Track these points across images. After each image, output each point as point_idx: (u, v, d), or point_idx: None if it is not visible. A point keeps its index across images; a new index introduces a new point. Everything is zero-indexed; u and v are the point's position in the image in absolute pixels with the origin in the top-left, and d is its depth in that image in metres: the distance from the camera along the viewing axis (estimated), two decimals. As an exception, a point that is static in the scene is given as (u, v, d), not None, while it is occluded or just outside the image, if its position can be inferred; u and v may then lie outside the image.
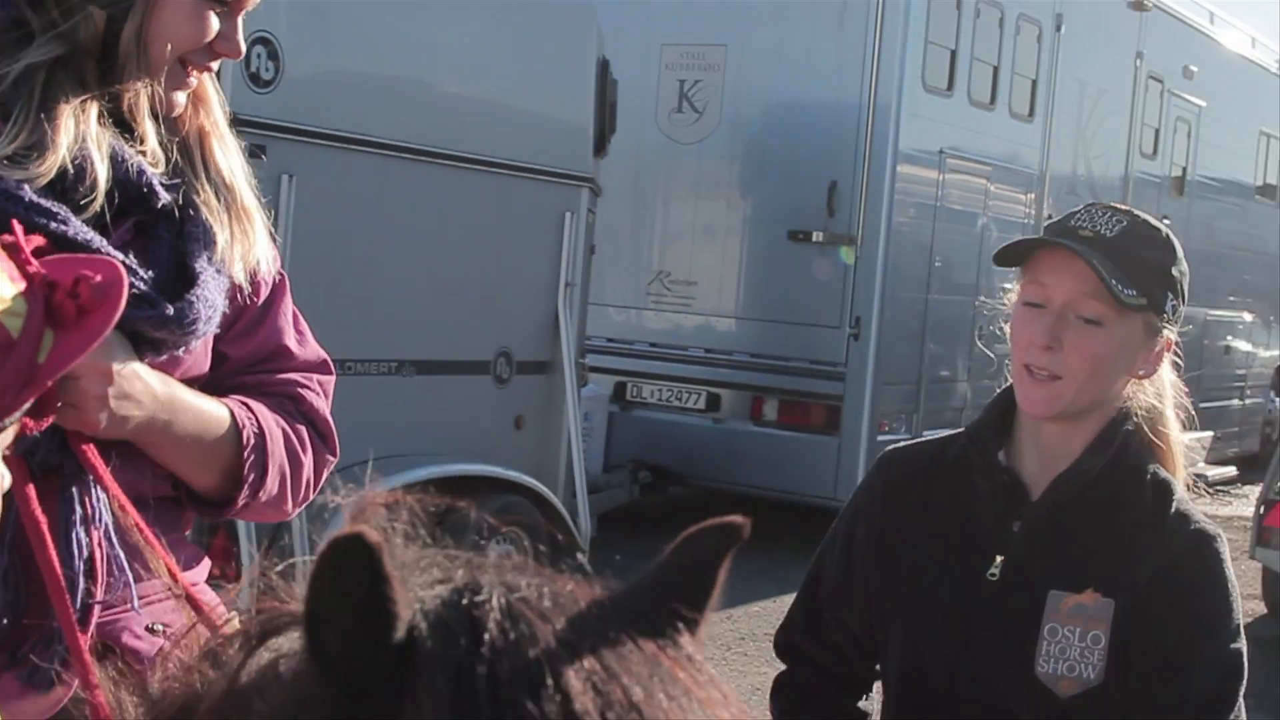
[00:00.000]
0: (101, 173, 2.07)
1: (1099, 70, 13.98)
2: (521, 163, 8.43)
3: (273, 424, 2.28)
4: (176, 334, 2.10)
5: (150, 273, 2.11)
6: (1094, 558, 2.48)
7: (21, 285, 1.26)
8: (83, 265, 1.31)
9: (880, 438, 11.34)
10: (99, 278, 1.29)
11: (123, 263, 1.98)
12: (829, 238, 11.29)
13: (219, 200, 2.23)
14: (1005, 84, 12.67)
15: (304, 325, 2.44)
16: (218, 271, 2.19)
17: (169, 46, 2.17)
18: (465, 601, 0.93)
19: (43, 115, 2.05)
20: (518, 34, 8.60)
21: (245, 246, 2.25)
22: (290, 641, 1.00)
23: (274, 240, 2.39)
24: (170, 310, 2.08)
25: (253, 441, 2.22)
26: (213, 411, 2.19)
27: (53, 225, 1.99)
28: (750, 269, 11.75)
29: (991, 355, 12.68)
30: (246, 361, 2.32)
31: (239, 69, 6.80)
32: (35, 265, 1.28)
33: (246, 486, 2.22)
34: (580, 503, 8.95)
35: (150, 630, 2.16)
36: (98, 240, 2.04)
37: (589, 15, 9.14)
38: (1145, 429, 2.58)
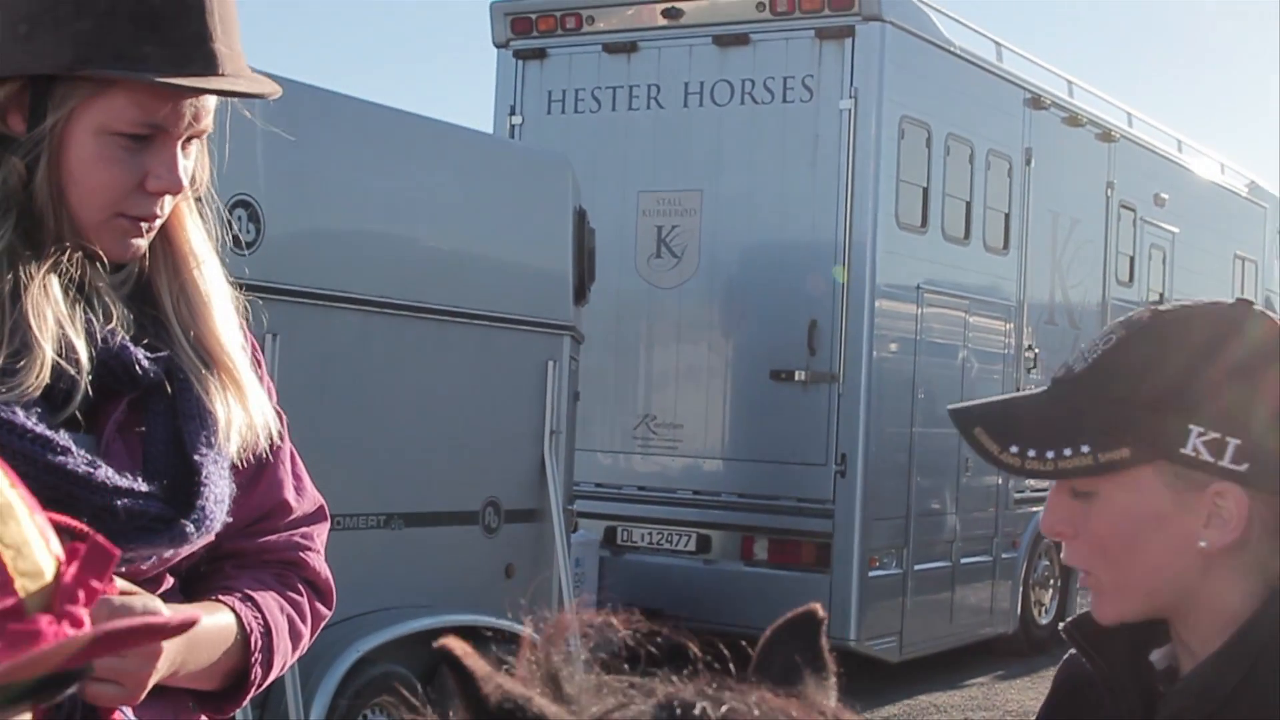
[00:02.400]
0: (83, 356, 1.96)
1: (1071, 201, 14.16)
2: (502, 313, 8.53)
3: (278, 613, 2.17)
4: (194, 542, 2.02)
5: (159, 483, 2.00)
6: None
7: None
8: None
9: (871, 573, 11.35)
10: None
11: (143, 493, 1.96)
12: (811, 376, 11.37)
13: (209, 372, 2.09)
14: (979, 218, 12.82)
15: (301, 468, 2.34)
16: (218, 454, 2.08)
17: (89, 197, 1.99)
18: (680, 714, 0.92)
19: (17, 309, 1.93)
20: (494, 187, 8.74)
21: (244, 420, 2.12)
22: None
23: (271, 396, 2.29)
24: (189, 526, 1.99)
25: (260, 644, 2.11)
26: (221, 625, 2.08)
27: (52, 458, 1.89)
28: (735, 409, 11.81)
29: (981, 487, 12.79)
30: (244, 523, 2.18)
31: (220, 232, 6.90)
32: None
33: (253, 687, 2.13)
34: (573, 649, 8.91)
35: None
36: (102, 473, 1.94)
37: (564, 166, 9.30)
38: None
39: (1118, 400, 1.75)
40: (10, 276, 1.94)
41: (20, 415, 1.88)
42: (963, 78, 12.54)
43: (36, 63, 1.93)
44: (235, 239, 7.02)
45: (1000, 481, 13.12)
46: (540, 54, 12.24)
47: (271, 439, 2.23)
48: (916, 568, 11.90)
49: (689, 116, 11.84)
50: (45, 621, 1.03)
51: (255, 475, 2.21)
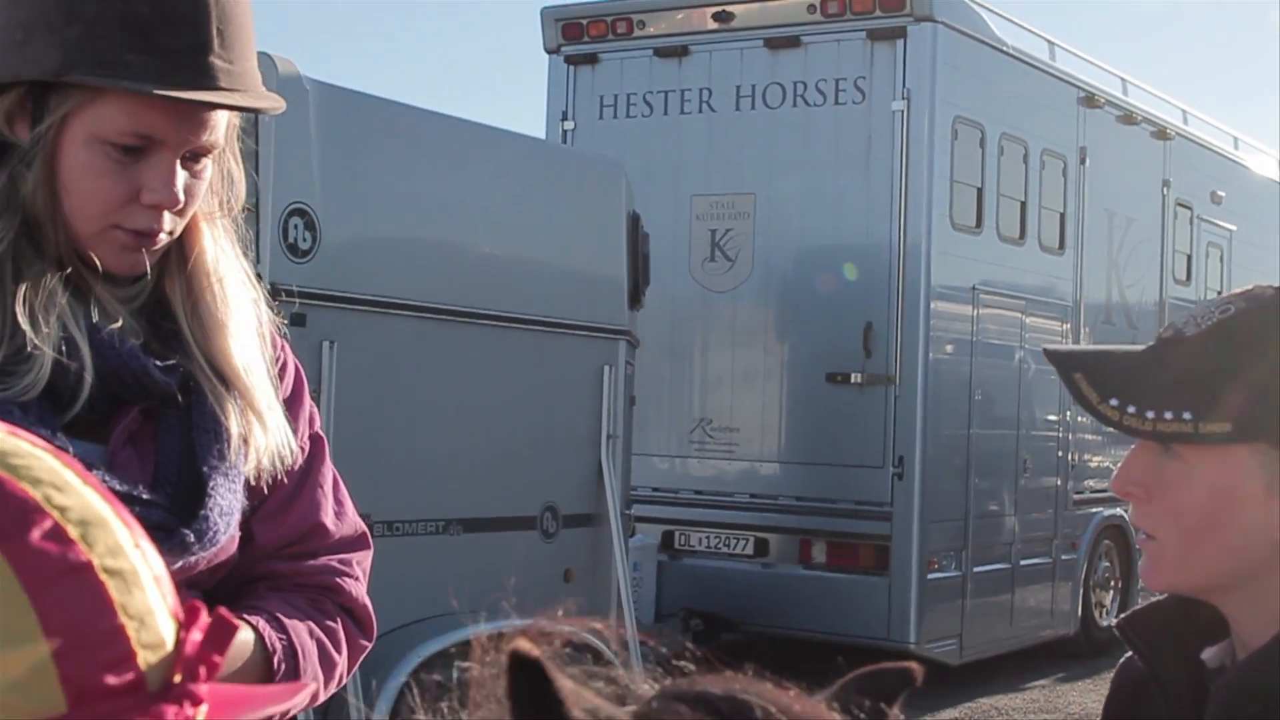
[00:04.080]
0: (87, 358, 1.93)
1: (1127, 200, 14.08)
2: (558, 319, 8.54)
3: (305, 636, 2.10)
4: (195, 553, 1.97)
5: (165, 492, 1.98)
6: None
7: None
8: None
9: (930, 576, 11.31)
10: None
11: (145, 500, 1.92)
12: (867, 378, 11.34)
13: (225, 389, 2.04)
14: (1034, 218, 12.76)
15: (344, 493, 2.27)
16: (230, 468, 2.03)
17: (82, 206, 1.95)
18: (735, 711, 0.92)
19: (18, 310, 1.90)
20: (549, 193, 8.76)
21: (261, 440, 2.07)
22: None
23: (311, 407, 2.26)
24: (190, 535, 1.95)
25: (284, 667, 2.05)
26: (238, 641, 1.94)
27: None
28: (791, 413, 11.79)
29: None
30: (278, 544, 2.15)
31: (277, 239, 6.95)
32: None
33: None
34: (633, 654, 8.91)
35: None
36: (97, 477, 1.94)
37: (617, 171, 9.31)
38: None
39: (1227, 373, 1.69)
40: (12, 278, 1.92)
41: (17, 414, 1.85)
42: (1016, 77, 12.48)
43: (29, 69, 1.92)
44: (291, 246, 7.09)
45: (1059, 483, 13.06)
46: (592, 59, 12.25)
47: (310, 460, 2.21)
48: (976, 570, 11.84)
49: (741, 120, 11.84)
50: (171, 714, 1.01)
51: (291, 496, 2.17)
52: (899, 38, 11.36)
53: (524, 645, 0.91)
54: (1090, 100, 13.43)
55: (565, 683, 0.91)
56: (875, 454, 11.32)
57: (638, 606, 9.91)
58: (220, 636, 1.06)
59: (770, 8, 11.80)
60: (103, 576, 0.99)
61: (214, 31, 1.94)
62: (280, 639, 2.05)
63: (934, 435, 11.36)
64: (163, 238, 2.00)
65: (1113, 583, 14.00)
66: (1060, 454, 13.16)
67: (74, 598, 0.98)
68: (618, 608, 8.84)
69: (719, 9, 11.88)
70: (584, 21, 12.22)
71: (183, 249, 2.06)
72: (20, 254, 1.94)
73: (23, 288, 1.91)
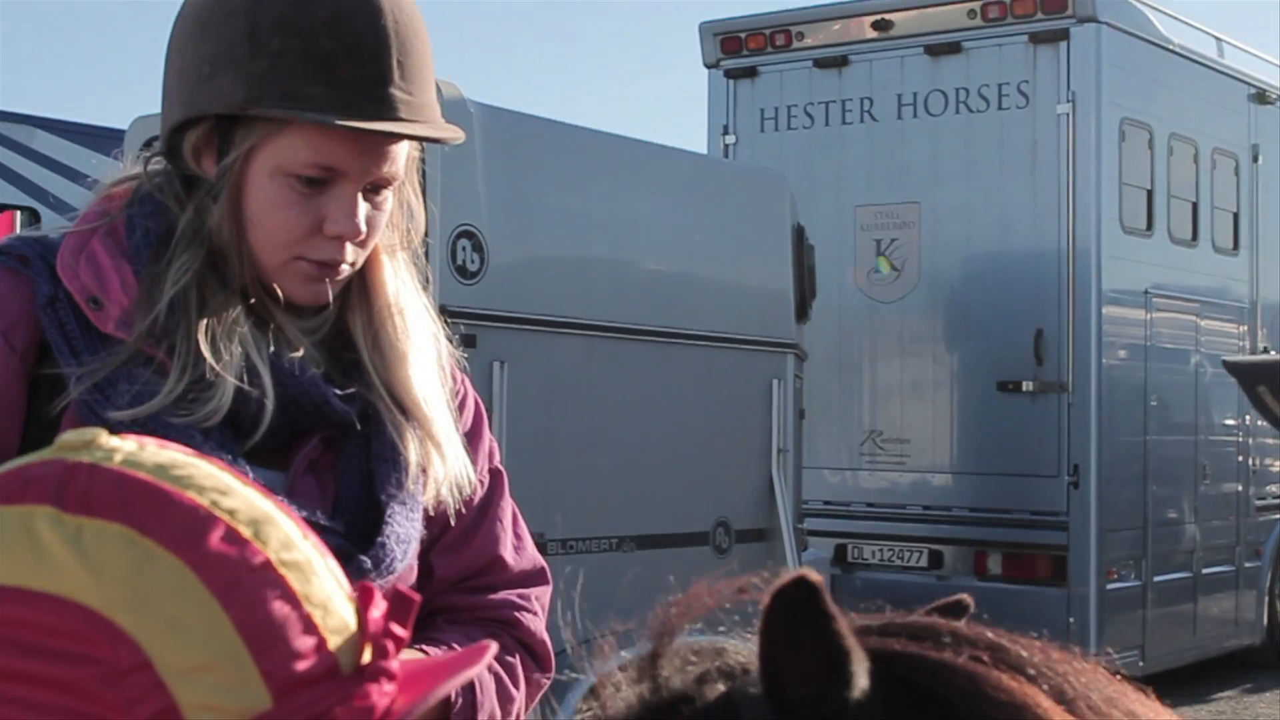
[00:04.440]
0: (268, 386, 1.96)
1: (1301, 197, 13.76)
2: (726, 333, 8.52)
3: (485, 672, 2.09)
4: (373, 580, 1.90)
5: (344, 519, 2.00)
6: None
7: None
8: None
9: (1109, 586, 11.11)
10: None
11: (324, 526, 1.93)
12: (1039, 386, 11.18)
13: (405, 419, 2.06)
14: (1206, 219, 12.53)
15: (523, 528, 2.28)
16: (408, 498, 2.05)
17: (267, 239, 1.98)
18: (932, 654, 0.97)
19: (201, 338, 1.93)
20: (713, 207, 8.75)
21: (440, 470, 2.08)
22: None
23: (488, 439, 2.26)
24: (367, 562, 1.97)
25: (460, 701, 2.05)
26: None
27: None
28: (962, 422, 11.66)
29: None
30: (457, 576, 2.17)
31: (446, 262, 7.01)
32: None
33: None
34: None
35: None
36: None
37: (781, 184, 9.28)
38: None
39: None
40: (197, 307, 1.95)
41: (199, 440, 1.88)
42: (1183, 76, 12.26)
43: (215, 103, 1.94)
44: (460, 269, 7.15)
45: (1240, 489, 12.79)
46: (751, 72, 12.23)
47: (490, 494, 2.22)
48: (1156, 579, 11.62)
49: (903, 128, 11.74)
50: (376, 692, 1.04)
51: (470, 530, 2.19)
52: (1062, 40, 11.21)
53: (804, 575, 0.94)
54: (1261, 97, 13.16)
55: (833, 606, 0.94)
56: (1049, 463, 11.16)
57: (812, 621, 9.83)
58: (402, 612, 1.09)
59: (930, 14, 11.70)
60: (281, 570, 1.03)
61: (394, 63, 1.96)
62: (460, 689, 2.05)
63: (1109, 442, 11.16)
64: (345, 269, 2.01)
65: (1299, 590, 13.67)
66: (1240, 459, 12.88)
67: (259, 595, 1.01)
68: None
69: (878, 17, 11.80)
70: (742, 35, 12.21)
71: (364, 281, 2.08)
72: (205, 284, 1.97)
73: (207, 317, 1.94)
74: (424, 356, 2.10)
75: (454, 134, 2.03)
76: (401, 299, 2.10)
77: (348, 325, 2.07)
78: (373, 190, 2.00)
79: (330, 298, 2.03)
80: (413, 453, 2.04)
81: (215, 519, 1.02)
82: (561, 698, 7.35)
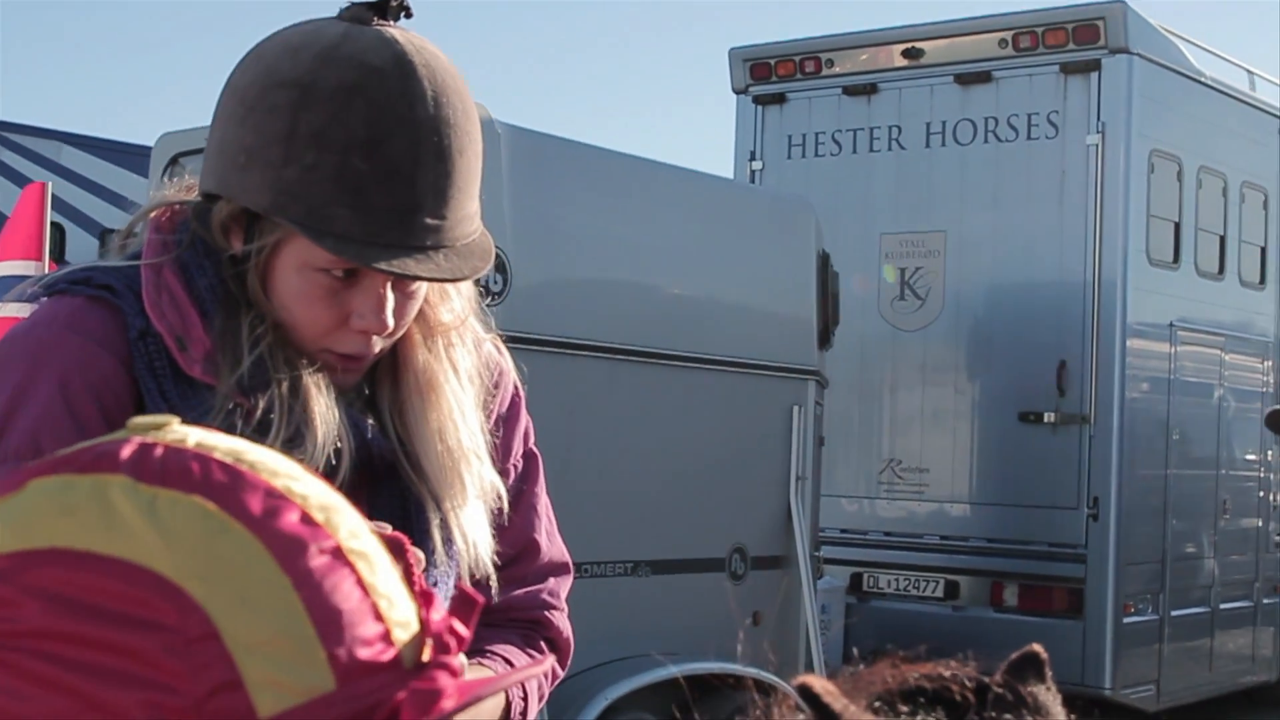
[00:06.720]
0: (348, 444, 1.97)
1: (1329, 233, 13.71)
2: (747, 359, 8.51)
3: (534, 684, 2.15)
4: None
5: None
6: None
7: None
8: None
9: (1126, 620, 11.07)
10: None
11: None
12: (1061, 417, 11.15)
13: (438, 462, 2.05)
14: (1233, 252, 12.49)
15: (552, 515, 2.32)
16: (447, 540, 2.06)
17: (297, 329, 1.97)
18: None
19: (289, 391, 1.94)
20: (738, 232, 8.75)
21: (459, 544, 2.07)
22: None
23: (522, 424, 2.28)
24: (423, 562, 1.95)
25: (520, 717, 2.11)
26: (494, 703, 2.07)
27: None
28: (982, 453, 11.63)
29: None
30: (498, 564, 2.15)
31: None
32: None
33: None
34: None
35: None
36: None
37: (807, 210, 9.27)
38: None
39: None
40: (281, 367, 1.94)
41: None
42: (1214, 108, 12.23)
43: (244, 196, 1.92)
44: (483, 289, 7.15)
45: (1260, 524, 12.73)
46: (780, 99, 12.22)
47: (524, 478, 2.25)
48: (1173, 613, 11.57)
49: (931, 157, 11.73)
50: (443, 678, 1.04)
51: (509, 515, 2.19)
52: (1093, 70, 11.18)
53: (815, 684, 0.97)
54: (1291, 131, 13.11)
55: (844, 705, 0.97)
56: (1069, 495, 11.13)
57: (826, 649, 9.82)
58: (465, 611, 1.10)
59: (960, 43, 11.69)
60: (351, 557, 1.03)
61: (429, 189, 1.91)
62: (519, 698, 2.10)
63: (1130, 476, 11.12)
64: (373, 356, 2.01)
65: (1316, 628, 13.60)
66: (1261, 494, 12.83)
67: (330, 578, 1.01)
68: (806, 651, 8.77)
69: (908, 45, 11.79)
70: (772, 61, 12.20)
71: (394, 356, 2.07)
72: (281, 342, 1.97)
73: (292, 373, 1.94)
74: (447, 423, 2.07)
75: (474, 269, 1.98)
76: (432, 374, 2.07)
77: (375, 394, 2.07)
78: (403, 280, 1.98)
79: (358, 380, 2.04)
80: (447, 500, 2.05)
81: (289, 501, 1.02)
82: None
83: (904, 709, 1.02)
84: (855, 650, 11.37)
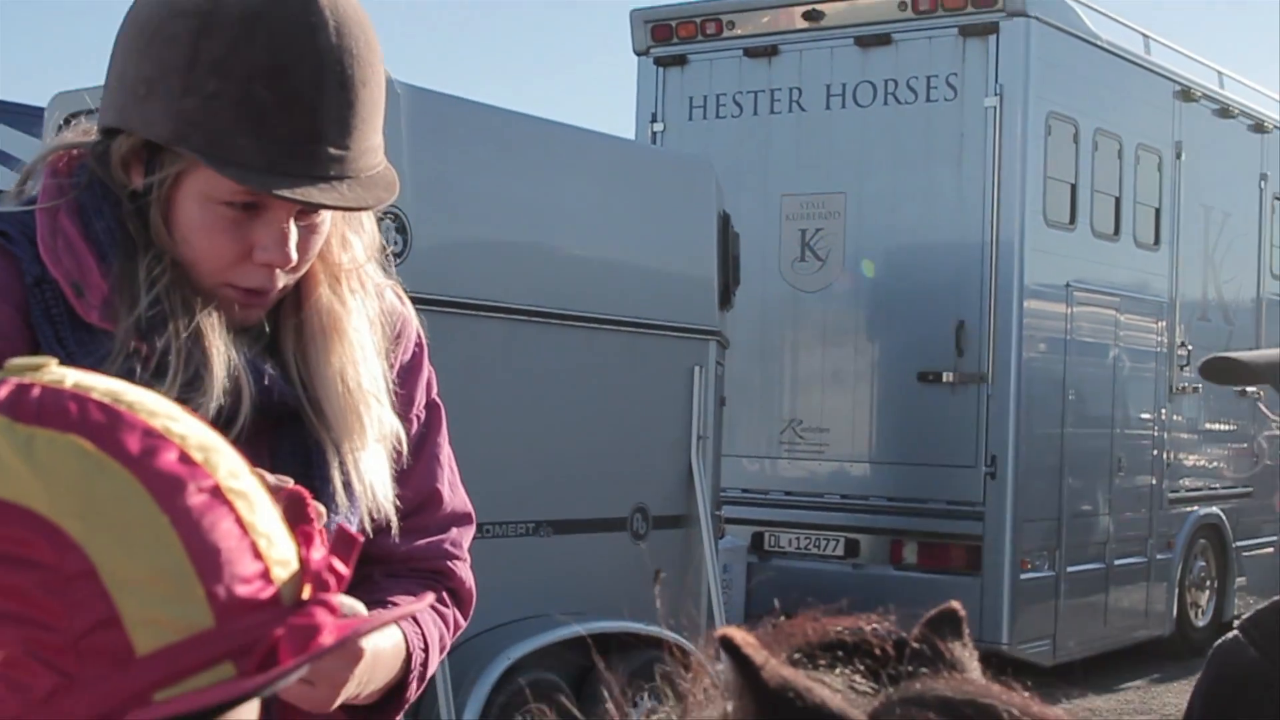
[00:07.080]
0: (246, 385, 1.95)
1: (1223, 195, 13.90)
2: (648, 320, 8.53)
3: (433, 629, 2.13)
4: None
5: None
6: None
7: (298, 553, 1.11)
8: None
9: (1023, 576, 11.22)
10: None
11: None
12: (959, 377, 11.26)
13: (339, 404, 2.04)
14: (1128, 214, 12.63)
15: (454, 465, 2.30)
16: (346, 484, 2.05)
17: (198, 262, 1.94)
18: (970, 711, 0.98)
19: (187, 333, 1.91)
20: (638, 193, 8.76)
21: (356, 487, 2.06)
22: None
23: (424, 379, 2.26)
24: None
25: (419, 670, 2.09)
26: (395, 644, 2.04)
27: None
28: (882, 412, 11.73)
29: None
30: (400, 513, 2.14)
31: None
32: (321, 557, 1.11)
33: (405, 705, 2.10)
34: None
35: None
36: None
37: (708, 171, 9.29)
38: None
39: None
40: (179, 309, 1.92)
41: None
42: (1110, 71, 12.36)
43: (144, 128, 1.89)
44: (383, 247, 7.12)
45: (1154, 481, 12.92)
46: (681, 60, 12.24)
47: (427, 428, 2.23)
48: (1069, 570, 11.74)
49: (831, 119, 11.79)
50: (320, 614, 1.05)
51: (409, 464, 2.18)
52: (991, 33, 11.27)
53: (737, 636, 0.96)
54: (1186, 94, 13.28)
55: (762, 654, 0.96)
56: (967, 453, 11.25)
57: (728, 608, 9.89)
58: (345, 550, 1.11)
59: (860, 6, 11.75)
60: (230, 496, 1.03)
61: (332, 118, 1.89)
62: (417, 636, 2.08)
63: (1027, 434, 11.26)
64: (274, 295, 2.00)
65: (1208, 583, 13.83)
66: (1155, 452, 13.02)
67: (208, 516, 1.01)
68: (708, 610, 8.83)
69: (809, 8, 11.83)
70: (673, 23, 12.21)
71: (297, 296, 2.06)
72: (180, 284, 1.94)
73: (190, 317, 1.92)
74: (350, 360, 2.06)
75: (379, 198, 1.97)
76: (335, 313, 2.06)
77: (279, 335, 2.06)
78: (307, 214, 1.96)
79: (262, 320, 2.02)
80: (335, 471, 2.03)
81: (167, 440, 1.02)
82: (475, 681, 7.35)
83: (823, 662, 1.03)
84: (755, 609, 11.47)
